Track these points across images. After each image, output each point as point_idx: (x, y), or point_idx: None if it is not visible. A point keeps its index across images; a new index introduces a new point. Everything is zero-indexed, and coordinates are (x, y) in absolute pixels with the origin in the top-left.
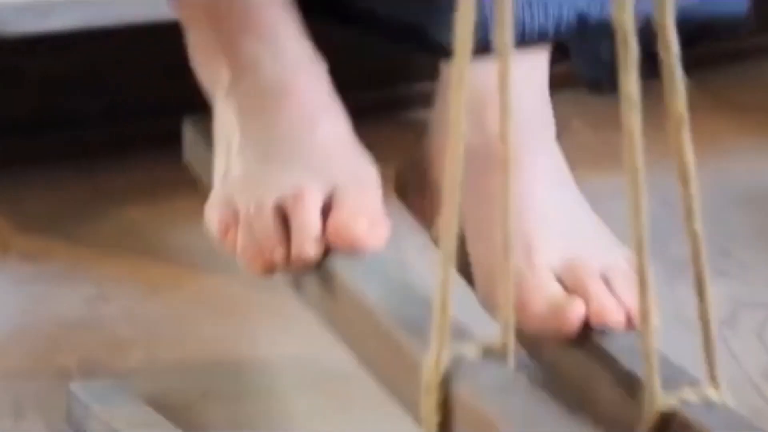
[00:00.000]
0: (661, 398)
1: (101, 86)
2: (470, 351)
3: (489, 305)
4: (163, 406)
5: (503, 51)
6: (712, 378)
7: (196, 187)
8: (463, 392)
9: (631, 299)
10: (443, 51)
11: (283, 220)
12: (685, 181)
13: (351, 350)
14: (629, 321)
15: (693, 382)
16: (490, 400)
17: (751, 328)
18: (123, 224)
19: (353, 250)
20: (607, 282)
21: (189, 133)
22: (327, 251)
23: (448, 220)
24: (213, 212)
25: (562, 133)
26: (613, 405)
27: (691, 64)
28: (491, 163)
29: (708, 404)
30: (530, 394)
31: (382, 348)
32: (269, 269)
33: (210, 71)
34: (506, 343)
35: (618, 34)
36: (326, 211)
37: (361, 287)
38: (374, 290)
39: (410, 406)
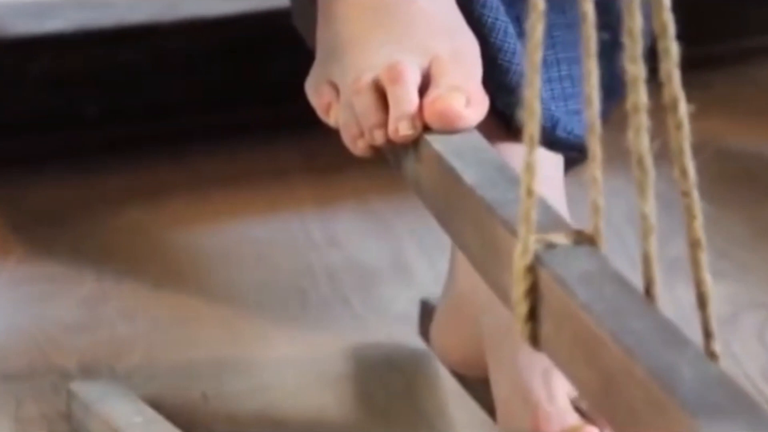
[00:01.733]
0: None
1: (101, 86)
2: (561, 238)
3: (506, 419)
4: (163, 406)
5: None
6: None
7: (196, 188)
8: (552, 279)
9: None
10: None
11: (382, 96)
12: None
13: (447, 231)
14: None
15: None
16: (577, 288)
17: (751, 328)
18: (123, 224)
19: (450, 127)
20: None
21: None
22: (426, 126)
23: (530, 102)
24: (314, 89)
25: None
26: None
27: (691, 64)
28: None
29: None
30: (619, 282)
31: (476, 231)
32: (371, 149)
33: None
34: (597, 229)
35: (633, 157)
36: (425, 85)
37: (457, 167)
38: (470, 171)
39: (502, 291)
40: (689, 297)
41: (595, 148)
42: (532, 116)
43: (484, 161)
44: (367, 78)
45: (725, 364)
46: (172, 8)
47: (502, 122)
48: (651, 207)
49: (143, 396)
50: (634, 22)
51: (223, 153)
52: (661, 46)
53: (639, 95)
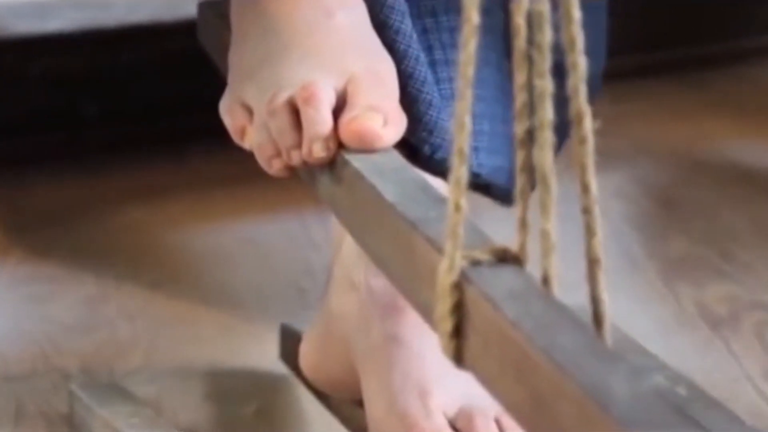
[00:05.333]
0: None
1: (101, 86)
2: (486, 255)
3: None
4: (162, 406)
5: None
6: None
7: (196, 188)
8: (478, 296)
9: None
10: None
11: (298, 116)
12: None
13: (366, 250)
14: None
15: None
16: (505, 305)
17: (752, 328)
18: (123, 224)
19: (368, 147)
20: (500, 428)
21: (205, 15)
22: (342, 146)
23: (461, 114)
24: (228, 111)
25: None
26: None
27: (691, 65)
28: (387, 309)
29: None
30: (547, 299)
31: (397, 249)
32: (287, 170)
33: None
34: (523, 246)
35: (537, 174)
36: (341, 104)
37: (377, 185)
38: (390, 189)
39: (424, 309)
40: (689, 296)
41: (522, 164)
42: (461, 130)
43: (405, 179)
44: (282, 98)
45: (726, 363)
46: (172, 8)
47: (406, 150)
48: (552, 224)
49: (143, 396)
50: (543, 37)
51: (223, 153)
52: (569, 60)
53: (545, 111)
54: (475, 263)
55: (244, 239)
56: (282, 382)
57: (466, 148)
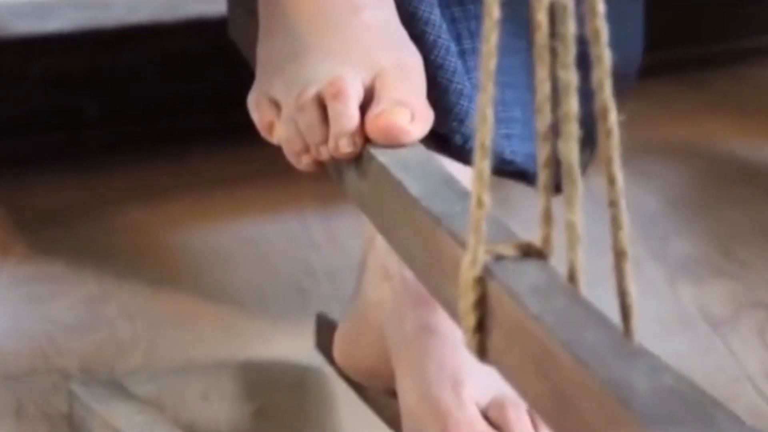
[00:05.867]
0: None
1: (101, 86)
2: (509, 250)
3: (413, 429)
4: (163, 406)
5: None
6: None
7: (196, 188)
8: (502, 291)
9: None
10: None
11: (325, 111)
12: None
13: (392, 245)
14: None
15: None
16: (527, 300)
17: (752, 327)
18: (123, 224)
19: (394, 142)
20: (533, 420)
21: (235, 11)
22: (369, 141)
23: (483, 107)
24: (256, 106)
25: None
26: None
27: (691, 65)
28: (420, 299)
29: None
30: (570, 294)
31: (422, 244)
32: (316, 165)
33: None
34: (547, 240)
35: (563, 167)
36: (369, 99)
37: (403, 180)
38: (415, 184)
39: (449, 303)
40: (690, 296)
41: (543, 156)
42: (484, 123)
43: (430, 174)
44: (310, 93)
45: (726, 363)
46: (173, 8)
47: (436, 141)
48: (578, 217)
49: (143, 396)
50: (567, 29)
51: (223, 153)
52: (594, 53)
53: (570, 104)
54: (499, 258)
55: (244, 239)
56: (283, 382)
57: (488, 142)
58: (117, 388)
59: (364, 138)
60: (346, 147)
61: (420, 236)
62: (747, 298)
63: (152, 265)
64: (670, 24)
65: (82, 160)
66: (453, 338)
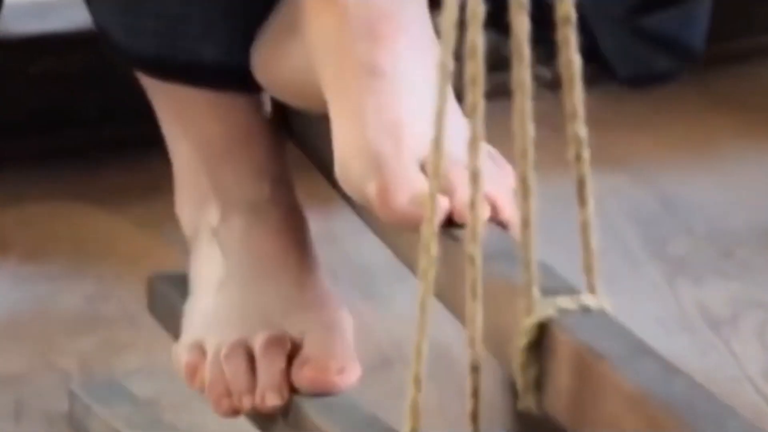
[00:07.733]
0: (539, 307)
1: (101, 86)
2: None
3: (345, 178)
4: (162, 406)
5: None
6: (591, 286)
7: None
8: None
9: (500, 196)
10: None
11: (252, 362)
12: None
13: None
14: (496, 216)
15: (571, 290)
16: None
17: (752, 328)
18: (123, 224)
19: (323, 393)
20: (493, 197)
21: (159, 287)
22: (296, 391)
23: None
24: (182, 351)
25: (555, 133)
26: (487, 315)
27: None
28: (367, 29)
29: (585, 311)
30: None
31: None
32: (235, 412)
33: (198, 211)
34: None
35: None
36: (296, 350)
37: (331, 430)
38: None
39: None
40: (689, 296)
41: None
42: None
43: (360, 423)
44: (239, 342)
45: (726, 363)
46: None
47: None
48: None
49: (143, 395)
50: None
51: None
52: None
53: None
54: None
55: None
56: None
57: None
58: (117, 388)
59: (290, 389)
60: (273, 400)
61: None
62: (747, 299)
63: (152, 265)
64: None
65: (81, 160)
66: (399, 82)
